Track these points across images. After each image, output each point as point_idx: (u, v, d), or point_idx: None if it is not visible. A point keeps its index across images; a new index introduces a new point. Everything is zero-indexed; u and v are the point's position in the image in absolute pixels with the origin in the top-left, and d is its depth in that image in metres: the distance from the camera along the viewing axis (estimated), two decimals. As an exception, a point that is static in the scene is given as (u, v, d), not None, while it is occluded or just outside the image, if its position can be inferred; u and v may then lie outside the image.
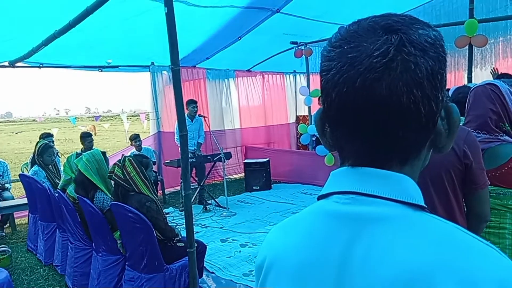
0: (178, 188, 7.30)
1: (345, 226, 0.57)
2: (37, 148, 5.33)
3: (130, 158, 3.40)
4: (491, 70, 5.54)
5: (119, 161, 3.43)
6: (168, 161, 6.55)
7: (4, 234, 5.91)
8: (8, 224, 6.17)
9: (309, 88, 7.70)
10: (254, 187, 7.62)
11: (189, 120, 6.59)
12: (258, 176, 7.67)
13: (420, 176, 1.71)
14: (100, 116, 10.90)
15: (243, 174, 8.09)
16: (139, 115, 9.61)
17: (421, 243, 0.52)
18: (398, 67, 0.53)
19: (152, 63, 7.71)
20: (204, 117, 6.81)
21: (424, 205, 0.57)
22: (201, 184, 6.66)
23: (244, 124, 9.43)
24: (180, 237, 3.40)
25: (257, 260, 0.70)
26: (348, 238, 0.56)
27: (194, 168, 6.59)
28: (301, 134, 7.93)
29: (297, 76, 10.37)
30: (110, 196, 3.62)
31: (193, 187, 6.98)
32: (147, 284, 3.07)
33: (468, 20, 4.87)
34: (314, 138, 7.86)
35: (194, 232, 3.75)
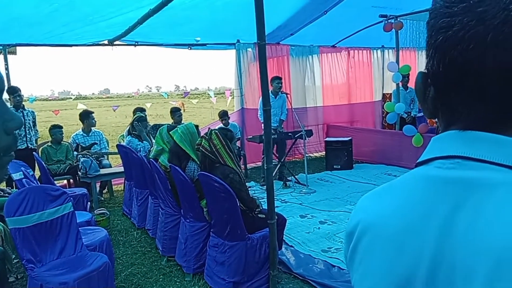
0: (259, 163, 7.46)
1: (449, 192, 0.54)
2: (133, 120, 5.78)
3: (217, 132, 3.56)
4: None
5: (206, 134, 3.61)
6: (251, 136, 6.71)
7: (103, 198, 6.53)
8: (106, 190, 6.81)
9: (398, 64, 7.33)
10: (334, 166, 7.52)
11: (273, 96, 6.64)
12: (340, 155, 7.55)
13: None
14: (188, 92, 11.43)
15: (324, 152, 8.03)
16: (224, 92, 9.90)
17: None
18: None
19: (238, 41, 7.85)
20: (287, 94, 6.82)
21: None
22: (282, 160, 6.73)
23: (326, 101, 9.28)
24: (261, 208, 3.50)
25: (348, 226, 0.68)
26: (452, 204, 0.53)
27: (275, 145, 6.68)
28: (387, 113, 7.61)
29: (385, 51, 9.90)
30: (200, 167, 3.81)
31: (273, 163, 7.10)
32: (229, 251, 3.22)
33: None
34: (406, 116, 7.51)
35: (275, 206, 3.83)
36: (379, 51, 9.87)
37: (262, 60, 3.14)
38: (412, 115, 7.81)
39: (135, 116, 5.84)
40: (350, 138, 7.75)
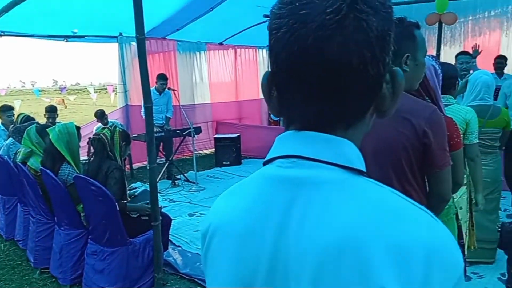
0: (146, 162, 7.18)
1: (285, 190, 0.55)
2: (19, 120, 5.06)
3: (122, 130, 3.54)
4: (473, 46, 5.62)
5: (110, 125, 3.62)
6: (136, 135, 6.41)
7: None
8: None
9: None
10: (224, 162, 7.59)
11: (157, 93, 6.44)
12: (229, 152, 7.64)
13: (377, 153, 1.68)
14: (65, 88, 10.50)
15: (214, 149, 8.04)
16: (106, 88, 9.34)
17: (355, 207, 0.51)
18: (350, 25, 0.50)
19: (120, 34, 7.43)
20: (173, 90, 6.67)
21: (363, 170, 0.56)
22: (170, 159, 6.57)
23: (215, 98, 9.29)
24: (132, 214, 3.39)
25: (202, 228, 0.67)
26: (287, 202, 0.54)
27: (162, 143, 6.50)
28: (273, 110, 7.89)
29: (271, 51, 10.24)
30: (76, 170, 3.55)
31: (161, 162, 6.88)
32: (109, 257, 3.04)
33: (439, -3, 4.88)
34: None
35: (162, 207, 3.72)
36: (264, 50, 10.17)
37: (141, 55, 3.02)
38: None
39: (22, 117, 5.10)
40: (238, 134, 7.89)
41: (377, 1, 0.52)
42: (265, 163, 0.61)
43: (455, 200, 2.23)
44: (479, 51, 5.49)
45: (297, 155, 0.56)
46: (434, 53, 5.21)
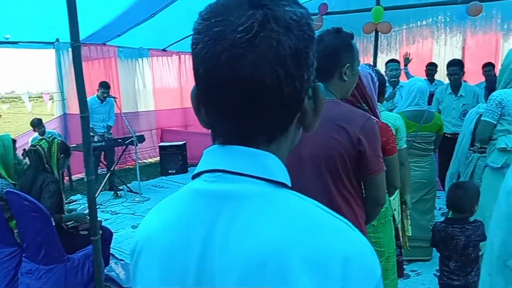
0: (87, 173, 6.88)
1: (209, 205, 0.55)
2: None
3: (60, 142, 3.38)
4: (404, 54, 5.94)
5: (48, 136, 3.42)
6: (75, 145, 6.13)
7: None
8: None
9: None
10: (169, 171, 7.45)
11: (99, 101, 6.21)
12: (174, 160, 7.51)
13: (315, 159, 1.71)
14: (-3, 96, 9.81)
15: (159, 158, 7.87)
16: (43, 96, 8.87)
17: (276, 220, 0.52)
18: (261, 43, 0.51)
19: (57, 40, 7.09)
20: (114, 98, 6.45)
21: (286, 183, 0.57)
22: (111, 169, 6.33)
23: (159, 105, 9.09)
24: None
25: (131, 244, 0.66)
26: (212, 217, 0.54)
27: (103, 153, 6.26)
28: (218, 117, 7.86)
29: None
30: (10, 182, 3.33)
31: (102, 172, 6.62)
32: (46, 275, 2.87)
33: (375, 7, 5.11)
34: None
35: (103, 220, 3.57)
36: (209, 57, 10.13)
37: (77, 63, 2.89)
38: None
39: None
40: (184, 142, 7.77)
41: (291, 20, 0.53)
42: (193, 177, 0.61)
43: (391, 202, 2.32)
44: (410, 58, 5.82)
45: (222, 169, 0.56)
46: (371, 60, 5.46)
